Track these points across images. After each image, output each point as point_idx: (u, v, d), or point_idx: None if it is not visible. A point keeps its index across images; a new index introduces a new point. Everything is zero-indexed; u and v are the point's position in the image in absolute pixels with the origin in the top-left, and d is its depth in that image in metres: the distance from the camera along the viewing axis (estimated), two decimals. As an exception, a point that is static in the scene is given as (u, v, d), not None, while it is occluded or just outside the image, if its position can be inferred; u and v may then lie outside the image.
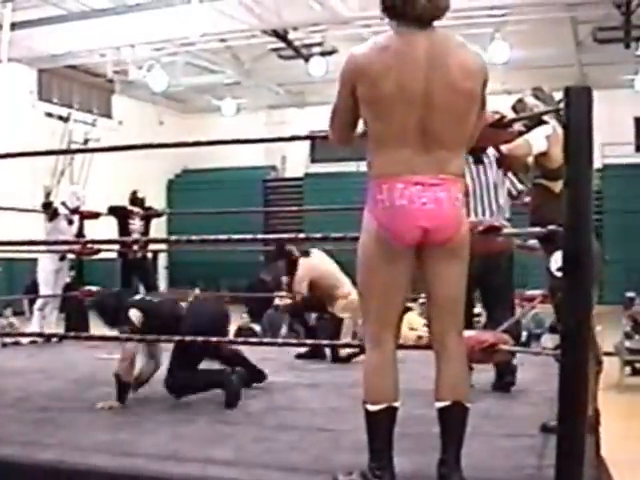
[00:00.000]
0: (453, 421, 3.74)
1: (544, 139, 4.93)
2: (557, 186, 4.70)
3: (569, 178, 3.55)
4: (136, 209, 11.33)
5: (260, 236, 5.69)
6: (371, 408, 3.72)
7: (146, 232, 11.36)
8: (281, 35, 23.71)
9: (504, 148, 5.10)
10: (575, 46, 24.75)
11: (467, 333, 4.03)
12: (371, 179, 3.69)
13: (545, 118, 4.99)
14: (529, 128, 5.08)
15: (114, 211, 11.21)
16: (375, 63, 3.57)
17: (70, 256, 10.49)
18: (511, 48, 23.08)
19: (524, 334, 13.72)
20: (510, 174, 6.76)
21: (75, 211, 10.66)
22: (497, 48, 23.06)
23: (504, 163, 5.56)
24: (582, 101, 3.49)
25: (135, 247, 10.92)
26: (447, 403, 3.72)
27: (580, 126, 3.51)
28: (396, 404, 3.75)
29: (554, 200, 4.40)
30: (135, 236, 11.09)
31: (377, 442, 3.72)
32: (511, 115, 4.76)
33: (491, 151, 6.19)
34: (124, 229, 11.15)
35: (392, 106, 3.55)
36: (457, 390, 3.75)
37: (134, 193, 11.61)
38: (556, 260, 4.54)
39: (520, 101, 5.54)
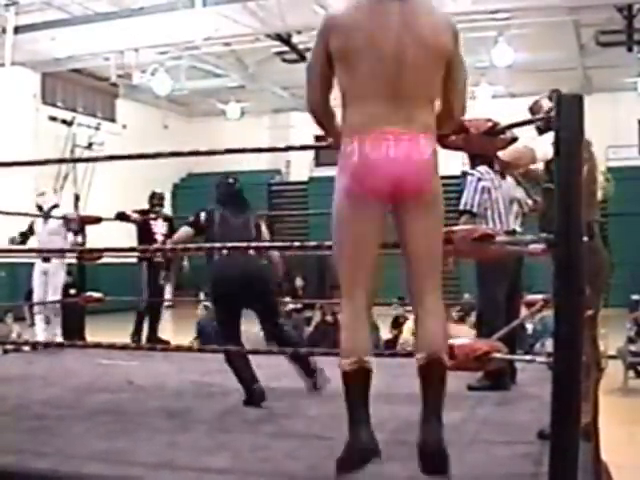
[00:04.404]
0: (432, 375, 3.77)
1: (551, 146, 4.91)
2: None
3: (560, 185, 3.53)
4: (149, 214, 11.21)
5: (254, 244, 5.68)
6: (345, 365, 3.77)
7: (169, 234, 11.17)
8: (285, 39, 23.69)
9: (507, 157, 5.09)
10: (578, 49, 24.73)
11: (461, 341, 4.02)
12: (343, 135, 3.77)
13: None
14: (542, 131, 5.07)
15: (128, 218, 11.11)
16: (348, 17, 3.72)
17: (66, 261, 10.52)
18: (515, 51, 23.06)
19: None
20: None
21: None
22: (501, 51, 23.06)
23: (506, 170, 5.58)
24: (573, 108, 3.48)
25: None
26: (424, 355, 3.76)
27: (571, 133, 3.50)
28: (367, 359, 3.78)
29: None
30: (159, 237, 11.01)
31: (352, 404, 3.78)
32: (506, 121, 4.73)
33: None
34: (146, 233, 11.03)
35: (362, 60, 3.66)
36: (435, 344, 3.80)
37: (153, 194, 11.48)
38: None
39: (536, 103, 5.52)
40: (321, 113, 3.99)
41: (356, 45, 3.64)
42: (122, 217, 11.18)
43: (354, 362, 3.75)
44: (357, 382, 3.77)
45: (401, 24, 3.64)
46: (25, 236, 10.74)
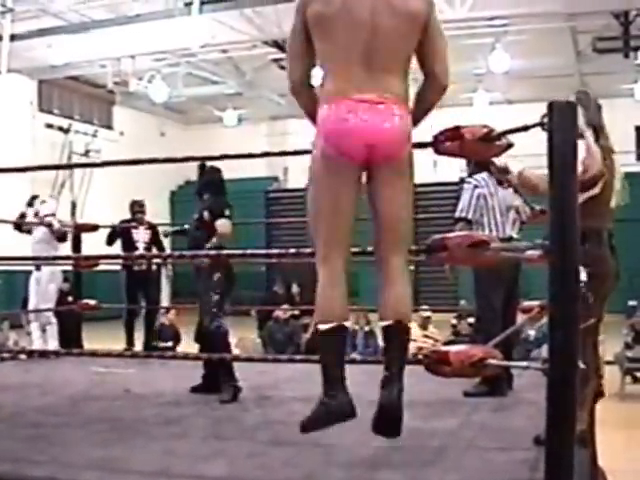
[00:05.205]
0: (395, 339, 3.83)
1: None
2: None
3: (555, 192, 3.52)
4: (136, 218, 11.25)
5: (250, 251, 5.67)
6: (322, 327, 3.83)
7: (152, 241, 11.24)
8: (282, 46, 23.70)
9: (531, 185, 5.11)
10: (575, 56, 24.75)
11: (456, 347, 4.02)
12: (320, 101, 3.87)
13: (582, 128, 4.84)
14: None
15: (117, 235, 11.16)
16: None
17: (59, 268, 10.55)
18: (512, 58, 23.05)
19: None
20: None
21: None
22: (498, 58, 23.06)
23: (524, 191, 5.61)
24: (566, 117, 3.46)
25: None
26: (390, 322, 3.82)
27: (564, 142, 3.48)
28: (346, 323, 3.86)
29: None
30: (140, 245, 11.03)
31: (328, 362, 3.84)
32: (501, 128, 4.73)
33: None
34: (128, 242, 11.07)
35: (338, 28, 3.74)
36: (399, 310, 3.86)
37: (133, 202, 11.54)
38: None
39: None
40: (302, 91, 4.07)
41: (332, 12, 3.72)
42: (112, 239, 11.21)
43: (331, 326, 3.81)
44: (333, 340, 3.83)
45: None
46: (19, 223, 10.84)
